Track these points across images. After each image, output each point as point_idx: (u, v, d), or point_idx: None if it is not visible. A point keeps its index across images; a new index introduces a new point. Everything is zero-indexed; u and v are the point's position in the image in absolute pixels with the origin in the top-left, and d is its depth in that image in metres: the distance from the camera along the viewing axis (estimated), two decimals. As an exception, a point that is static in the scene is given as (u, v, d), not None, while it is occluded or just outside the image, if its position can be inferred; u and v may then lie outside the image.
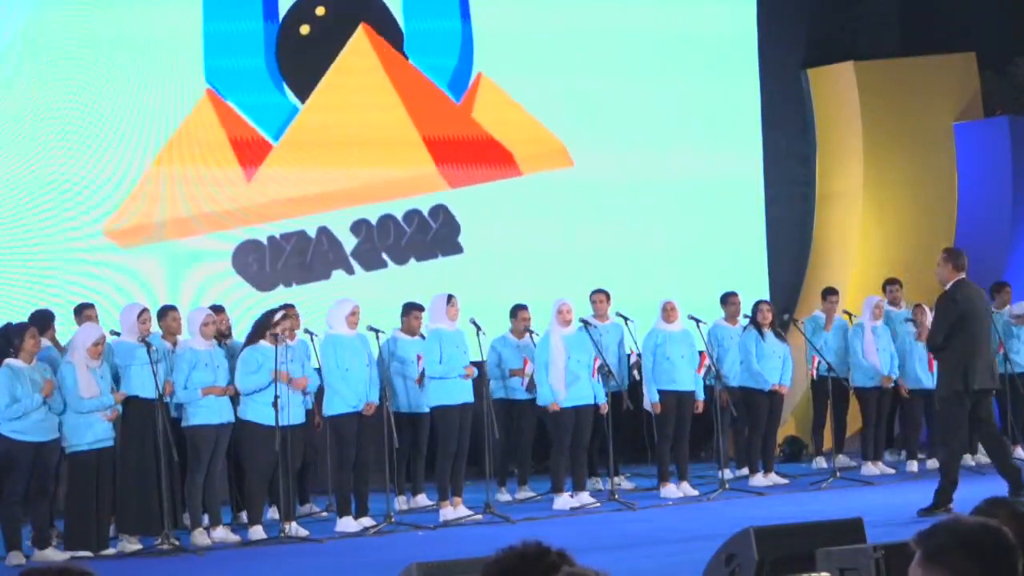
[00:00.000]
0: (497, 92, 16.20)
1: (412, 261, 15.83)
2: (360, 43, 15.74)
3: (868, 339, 15.32)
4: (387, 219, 15.74)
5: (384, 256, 15.73)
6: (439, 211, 15.94)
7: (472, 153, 16.08)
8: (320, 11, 15.68)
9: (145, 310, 11.95)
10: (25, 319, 11.87)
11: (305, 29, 15.59)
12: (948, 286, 11.92)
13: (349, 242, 15.61)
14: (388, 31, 15.86)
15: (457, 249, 16.00)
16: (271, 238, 15.31)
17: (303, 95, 15.49)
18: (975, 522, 3.82)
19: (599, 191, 16.61)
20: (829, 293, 15.89)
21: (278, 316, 11.88)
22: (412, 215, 15.82)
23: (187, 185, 14.77)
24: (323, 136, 15.54)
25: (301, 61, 15.53)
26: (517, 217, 16.25)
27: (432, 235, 15.90)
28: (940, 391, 12.17)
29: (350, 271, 15.59)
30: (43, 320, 12.03)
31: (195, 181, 14.82)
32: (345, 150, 15.59)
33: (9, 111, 14.10)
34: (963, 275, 11.92)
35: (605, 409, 13.48)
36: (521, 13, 16.48)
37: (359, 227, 15.67)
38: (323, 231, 15.50)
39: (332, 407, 12.20)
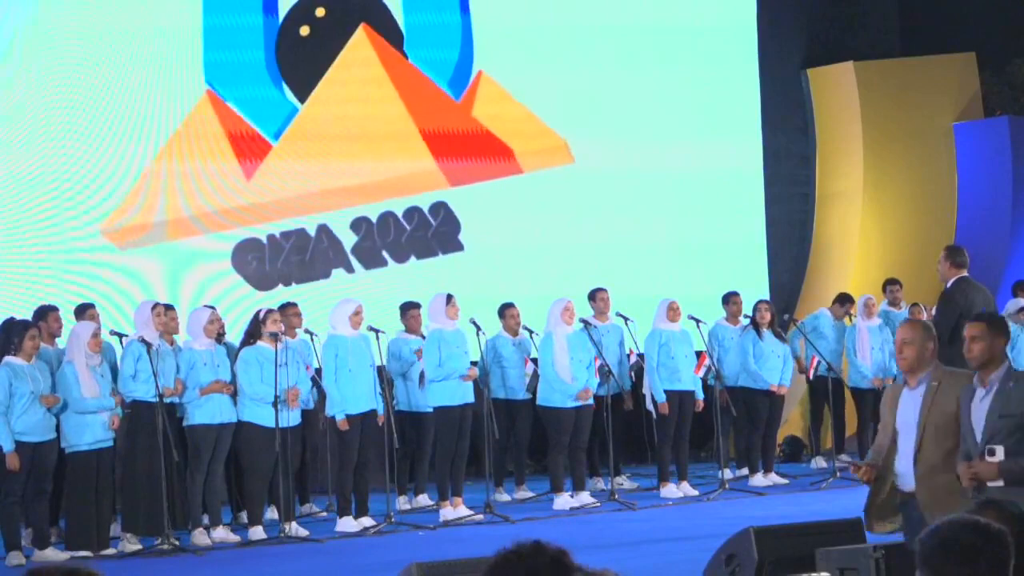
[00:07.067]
0: (497, 89, 16.19)
1: (412, 259, 15.81)
2: (360, 43, 15.73)
3: (862, 339, 15.32)
4: (387, 216, 15.72)
5: (384, 254, 15.72)
6: (439, 208, 15.93)
7: (473, 150, 16.06)
8: (320, 12, 15.67)
9: (157, 304, 11.91)
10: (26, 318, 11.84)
11: (305, 30, 15.58)
12: (948, 284, 11.88)
13: (349, 240, 15.59)
14: (388, 31, 15.86)
15: (457, 247, 15.99)
16: (271, 236, 15.29)
17: (302, 95, 15.47)
18: (965, 525, 3.82)
19: (599, 189, 16.59)
20: (847, 300, 15.94)
21: (262, 315, 11.82)
22: (412, 212, 15.81)
23: (187, 183, 14.76)
24: (323, 134, 15.53)
25: (301, 60, 15.52)
26: (517, 214, 16.23)
27: (432, 232, 15.89)
28: None
29: (350, 269, 15.58)
30: (43, 316, 11.95)
31: (195, 179, 14.80)
32: (345, 148, 15.58)
33: (9, 109, 14.09)
34: (964, 272, 11.87)
35: (588, 396, 13.34)
36: (520, 7, 16.47)
37: (359, 225, 15.66)
38: (323, 229, 15.49)
39: (335, 407, 12.17)
